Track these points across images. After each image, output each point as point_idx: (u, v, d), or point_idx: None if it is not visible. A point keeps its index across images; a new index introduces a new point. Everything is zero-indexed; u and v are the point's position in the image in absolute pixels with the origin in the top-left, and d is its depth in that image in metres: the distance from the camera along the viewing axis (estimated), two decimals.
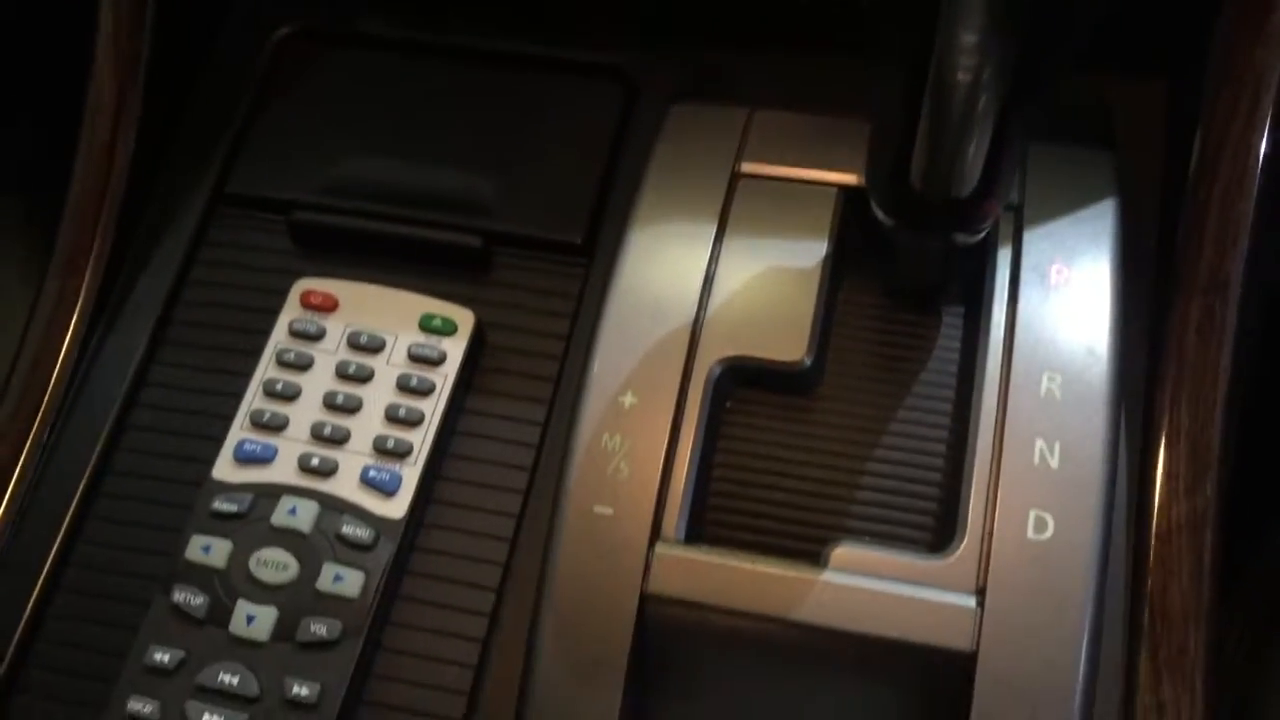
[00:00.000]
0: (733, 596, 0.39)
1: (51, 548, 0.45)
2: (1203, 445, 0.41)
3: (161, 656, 0.41)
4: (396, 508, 0.44)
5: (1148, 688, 0.39)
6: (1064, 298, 0.41)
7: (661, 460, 0.40)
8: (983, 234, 0.40)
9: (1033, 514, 0.38)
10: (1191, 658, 0.39)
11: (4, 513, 0.45)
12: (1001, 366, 0.40)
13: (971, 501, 0.39)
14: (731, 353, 0.42)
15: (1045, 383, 0.40)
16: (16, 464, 0.46)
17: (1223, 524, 0.40)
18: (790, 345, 0.42)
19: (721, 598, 0.39)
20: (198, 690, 0.41)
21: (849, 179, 0.45)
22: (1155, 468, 0.41)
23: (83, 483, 0.46)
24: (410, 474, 0.44)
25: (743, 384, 0.42)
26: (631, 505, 0.40)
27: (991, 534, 0.38)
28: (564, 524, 0.40)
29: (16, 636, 0.44)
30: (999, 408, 0.40)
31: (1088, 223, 0.43)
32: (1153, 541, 0.40)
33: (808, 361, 0.41)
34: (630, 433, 0.41)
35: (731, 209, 0.45)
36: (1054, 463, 0.39)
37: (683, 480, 0.40)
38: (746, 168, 0.45)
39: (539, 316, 0.48)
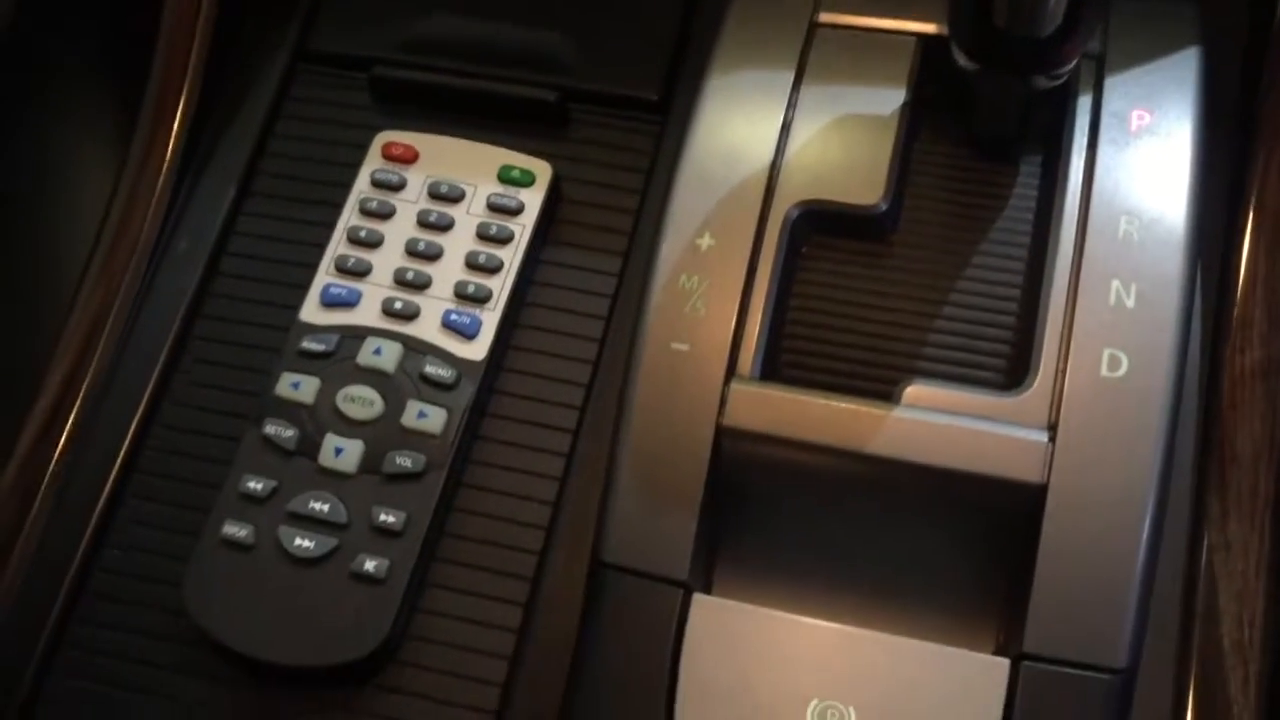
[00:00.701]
0: (806, 429, 0.40)
1: (148, 384, 0.47)
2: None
3: (255, 485, 0.43)
4: (477, 350, 0.45)
5: (1216, 526, 0.40)
6: (1144, 144, 0.41)
7: (738, 300, 0.41)
8: (1063, 78, 0.40)
9: (1107, 353, 0.39)
10: (1262, 498, 0.40)
11: (102, 351, 0.47)
12: (1079, 208, 0.40)
13: (1046, 340, 0.39)
14: (808, 196, 0.42)
15: (1123, 225, 0.40)
16: (113, 307, 0.48)
17: None
18: (866, 189, 0.42)
19: (795, 430, 0.40)
20: (289, 516, 0.43)
21: (928, 28, 0.44)
22: (1231, 313, 0.41)
23: (175, 325, 0.48)
24: (490, 319, 0.45)
25: (819, 229, 0.43)
26: (708, 342, 0.41)
27: (1065, 372, 0.39)
28: (642, 360, 0.41)
29: (116, 465, 0.46)
30: (1076, 249, 0.40)
31: (1170, 71, 0.43)
32: (1226, 385, 0.41)
33: (884, 205, 0.42)
34: (707, 273, 0.41)
35: (809, 59, 0.45)
36: (1130, 303, 0.39)
37: (758, 319, 0.41)
38: (824, 18, 0.45)
39: (614, 171, 0.49)
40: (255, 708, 0.42)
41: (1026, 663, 0.37)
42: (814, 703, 0.38)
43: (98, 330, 0.48)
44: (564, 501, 0.44)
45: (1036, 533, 0.38)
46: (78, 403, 0.47)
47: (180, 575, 0.43)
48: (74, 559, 0.44)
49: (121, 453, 0.46)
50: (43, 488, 0.45)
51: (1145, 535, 0.38)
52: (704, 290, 0.41)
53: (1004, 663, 0.37)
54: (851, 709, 0.38)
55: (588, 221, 0.48)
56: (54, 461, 0.45)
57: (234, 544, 0.43)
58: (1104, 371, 0.39)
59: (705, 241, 0.42)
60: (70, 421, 0.46)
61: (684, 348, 0.41)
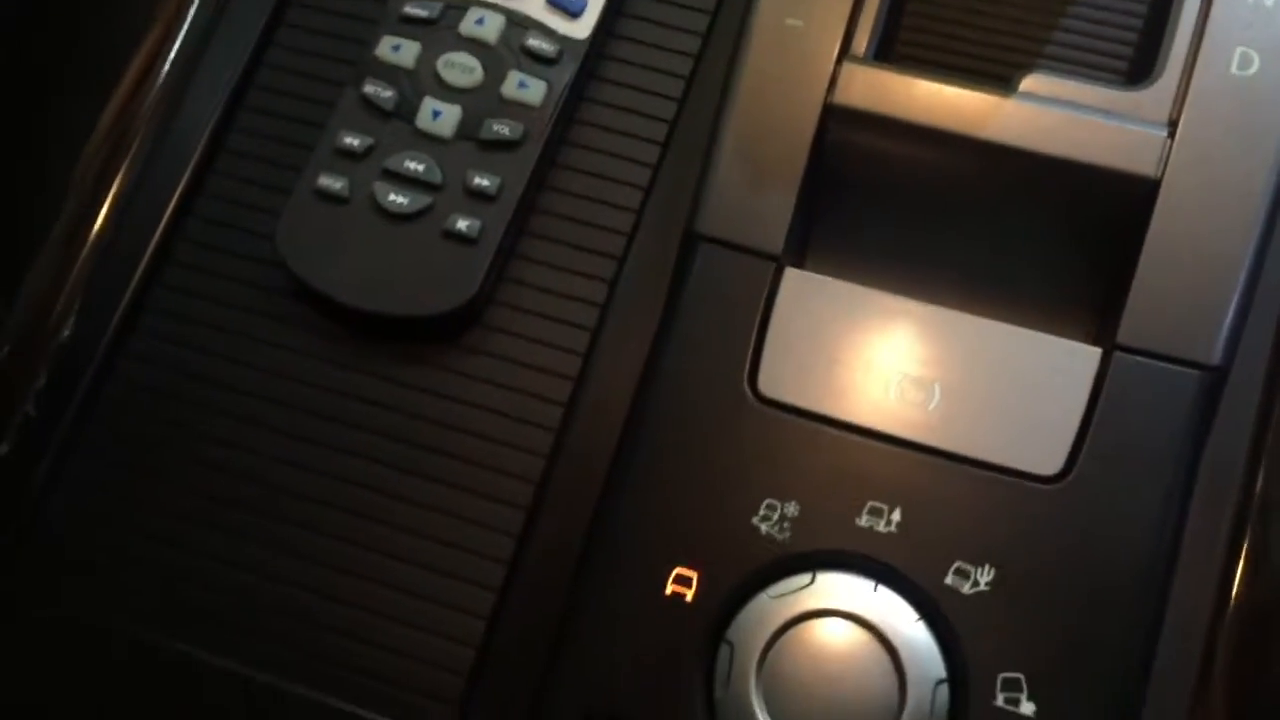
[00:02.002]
0: (916, 112, 0.39)
1: (244, 56, 0.46)
2: None
3: (351, 141, 0.43)
4: (581, 29, 0.44)
5: None
6: None
7: None
8: None
9: (1239, 50, 0.38)
10: None
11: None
12: None
13: (1177, 34, 0.38)
14: None
15: None
16: None
17: None
18: None
19: (905, 113, 0.39)
20: (385, 173, 0.43)
21: None
22: None
23: None
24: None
25: None
26: (823, 19, 0.40)
27: (1193, 68, 0.38)
28: (753, 34, 0.40)
29: (211, 124, 0.46)
30: None
31: None
32: None
33: None
34: None
35: None
36: (1269, 1, 0.38)
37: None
38: None
39: None
40: (344, 358, 0.43)
41: (1119, 353, 0.37)
42: (899, 377, 0.38)
43: None
44: (656, 186, 0.44)
45: (1144, 229, 0.37)
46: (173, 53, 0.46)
47: (273, 227, 0.43)
48: (169, 204, 0.45)
49: (219, 110, 0.46)
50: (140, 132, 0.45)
51: (1256, 236, 0.37)
52: None
53: (1096, 351, 0.37)
54: (937, 385, 0.38)
55: None
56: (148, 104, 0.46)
57: (329, 195, 0.43)
58: (1234, 69, 0.37)
59: None
60: (164, 72, 0.46)
61: (798, 24, 0.40)
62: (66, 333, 0.44)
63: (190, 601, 0.41)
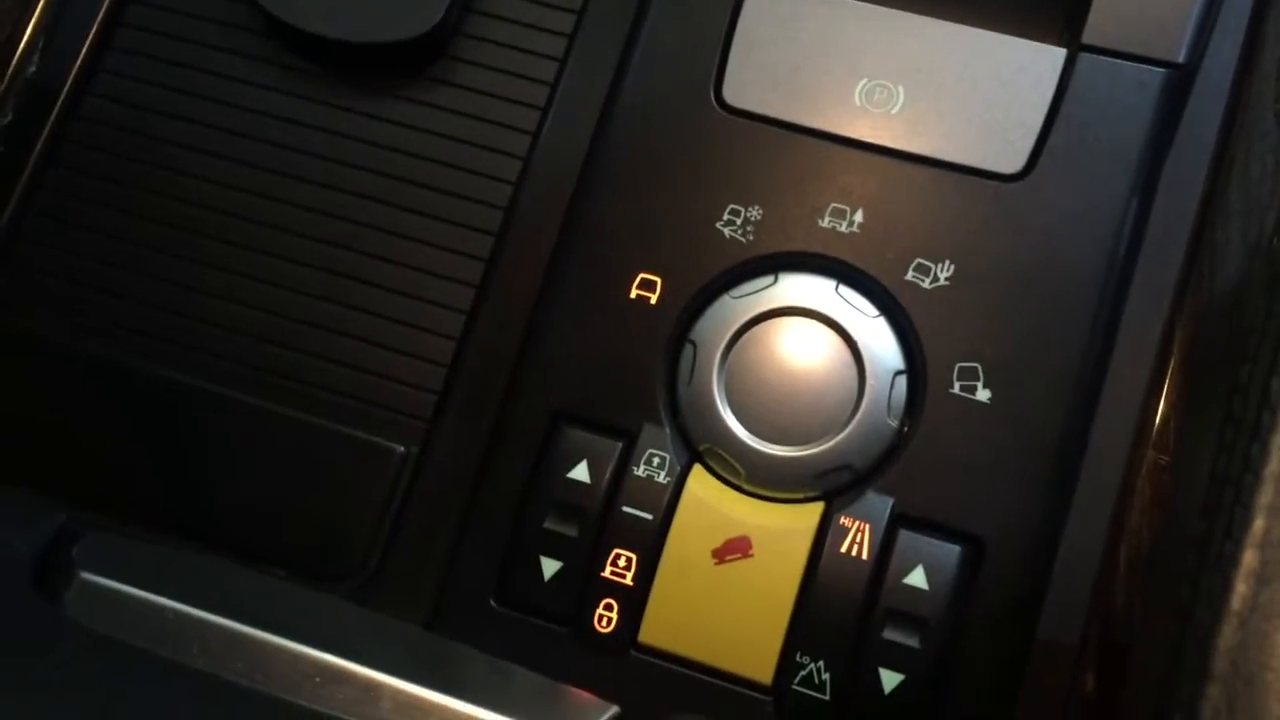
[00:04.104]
0: None
1: None
2: None
3: None
4: None
5: None
6: None
7: None
8: None
9: None
10: None
11: None
12: None
13: None
14: None
15: None
16: None
17: None
18: None
19: None
20: None
21: None
22: None
23: None
24: None
25: None
26: None
27: None
28: None
29: None
30: None
31: None
32: None
33: None
34: None
35: None
36: None
37: None
38: None
39: None
40: (312, 91, 0.43)
41: (1084, 53, 0.37)
42: (863, 81, 0.38)
43: None
44: None
45: None
46: None
47: None
48: None
49: None
50: None
51: None
52: None
53: (1061, 51, 0.37)
54: (901, 88, 0.38)
55: None
56: None
57: None
58: None
59: None
60: None
61: None
62: (32, 69, 0.44)
63: (164, 327, 0.41)
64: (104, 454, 0.40)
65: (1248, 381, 0.30)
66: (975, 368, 0.36)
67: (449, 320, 0.40)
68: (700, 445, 0.36)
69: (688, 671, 0.35)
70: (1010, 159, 0.37)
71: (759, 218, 0.37)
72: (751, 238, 0.37)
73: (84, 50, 0.43)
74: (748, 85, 0.38)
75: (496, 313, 0.40)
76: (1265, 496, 0.27)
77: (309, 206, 0.42)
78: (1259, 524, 0.27)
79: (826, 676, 0.34)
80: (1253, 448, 0.29)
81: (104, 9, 0.44)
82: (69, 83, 0.43)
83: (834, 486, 0.35)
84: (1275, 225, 0.37)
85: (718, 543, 0.35)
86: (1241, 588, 0.28)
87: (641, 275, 0.37)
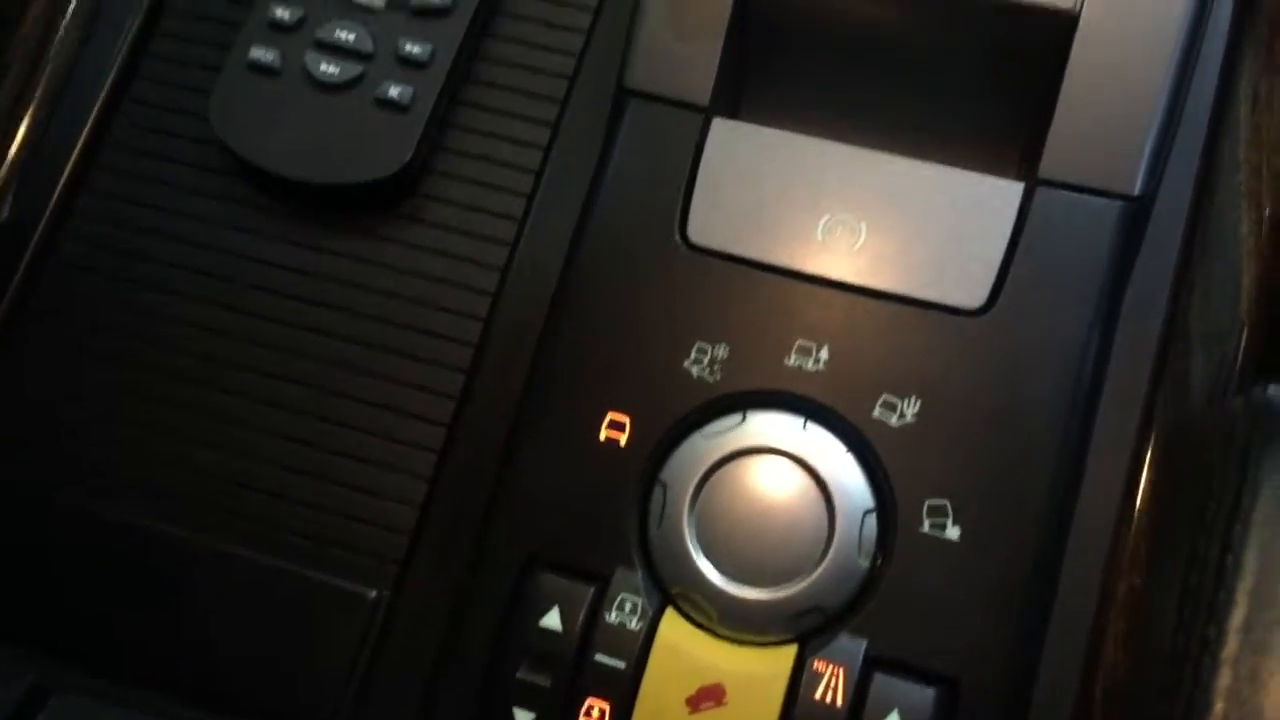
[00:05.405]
0: None
1: None
2: None
3: (282, 13, 0.43)
4: None
5: (1247, 79, 0.39)
6: None
7: None
8: None
9: None
10: None
11: None
12: None
13: None
14: None
15: None
16: None
17: None
18: None
19: None
20: (316, 44, 0.43)
21: None
22: None
23: None
24: None
25: None
26: None
27: None
28: None
29: (145, 5, 0.46)
30: None
31: None
32: None
33: None
34: None
35: None
36: None
37: None
38: None
39: None
40: (282, 231, 0.43)
41: (1041, 187, 0.37)
42: (825, 218, 0.38)
43: None
44: (590, 49, 0.44)
45: (1064, 62, 0.37)
46: None
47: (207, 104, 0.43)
48: (104, 86, 0.45)
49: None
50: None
51: (1175, 65, 0.37)
52: None
53: (1018, 186, 0.38)
54: (863, 224, 0.38)
55: None
56: None
57: (261, 68, 0.43)
58: None
59: None
60: None
61: None
62: (5, 214, 0.44)
63: (132, 472, 0.41)
64: (72, 603, 0.40)
65: (1211, 524, 0.30)
66: (944, 504, 0.36)
67: (420, 460, 0.40)
68: (672, 588, 0.36)
69: None
70: (972, 293, 0.37)
71: (725, 356, 0.37)
72: (719, 376, 0.37)
73: (56, 193, 0.44)
74: (712, 223, 0.39)
75: (468, 452, 0.40)
76: (1230, 649, 0.27)
77: (280, 346, 0.42)
78: (1225, 678, 0.27)
79: None
80: (1218, 597, 0.29)
81: (77, 151, 0.44)
82: (41, 227, 0.44)
83: (807, 629, 0.35)
84: (1235, 355, 0.37)
85: (691, 690, 0.35)
86: None
87: (611, 415, 0.38)
